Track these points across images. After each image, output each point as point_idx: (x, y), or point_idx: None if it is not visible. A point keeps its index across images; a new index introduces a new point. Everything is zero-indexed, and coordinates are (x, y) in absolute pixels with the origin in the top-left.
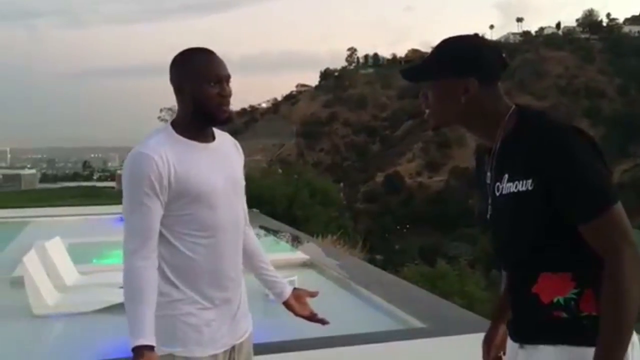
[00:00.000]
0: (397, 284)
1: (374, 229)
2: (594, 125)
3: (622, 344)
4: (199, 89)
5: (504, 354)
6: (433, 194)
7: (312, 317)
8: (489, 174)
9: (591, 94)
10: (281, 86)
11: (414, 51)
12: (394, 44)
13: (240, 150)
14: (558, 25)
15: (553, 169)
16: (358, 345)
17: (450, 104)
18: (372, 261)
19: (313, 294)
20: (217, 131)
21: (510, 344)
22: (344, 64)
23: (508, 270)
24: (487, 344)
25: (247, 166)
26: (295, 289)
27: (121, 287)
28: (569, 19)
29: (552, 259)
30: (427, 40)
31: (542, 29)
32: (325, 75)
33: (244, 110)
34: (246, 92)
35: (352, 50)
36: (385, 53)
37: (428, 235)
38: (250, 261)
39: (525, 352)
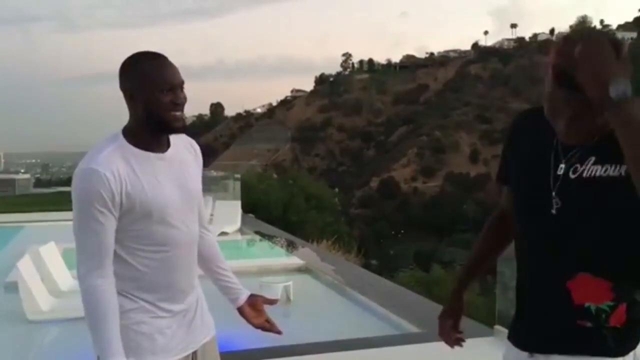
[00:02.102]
0: (392, 289)
1: (368, 234)
2: None
3: None
4: (151, 97)
5: (456, 329)
6: (428, 199)
7: (265, 326)
8: (562, 165)
9: None
10: (276, 91)
11: (409, 57)
12: (389, 50)
13: (197, 149)
14: (552, 31)
15: None
16: (354, 350)
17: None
18: (367, 266)
19: (271, 302)
20: (172, 135)
21: (514, 353)
22: (339, 69)
23: (545, 265)
24: (449, 317)
25: (243, 171)
26: (251, 295)
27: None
28: (563, 25)
29: (598, 260)
30: (422, 45)
31: (535, 35)
32: (321, 80)
33: (239, 115)
34: (241, 97)
35: (347, 56)
36: (381, 58)
37: (423, 240)
38: (206, 264)
39: None
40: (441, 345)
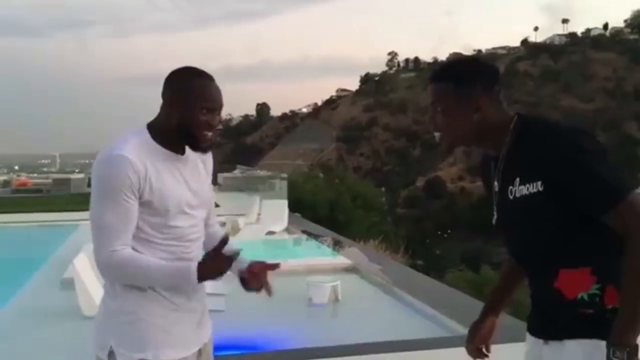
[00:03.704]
0: (441, 290)
1: (414, 234)
2: None
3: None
4: (190, 113)
5: (487, 348)
6: (475, 199)
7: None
8: (495, 182)
9: None
10: (321, 91)
11: (456, 54)
12: (435, 48)
13: (208, 156)
14: (605, 26)
15: (561, 170)
16: (402, 352)
17: (462, 123)
18: (413, 266)
19: (273, 267)
20: None
21: (532, 341)
22: (385, 68)
23: (528, 269)
24: (473, 334)
25: (290, 171)
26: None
27: None
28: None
29: (570, 255)
30: (468, 43)
31: (588, 30)
32: (366, 79)
33: (284, 115)
34: (287, 97)
35: (393, 55)
36: (427, 57)
37: (469, 240)
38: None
39: (551, 348)
40: (493, 348)
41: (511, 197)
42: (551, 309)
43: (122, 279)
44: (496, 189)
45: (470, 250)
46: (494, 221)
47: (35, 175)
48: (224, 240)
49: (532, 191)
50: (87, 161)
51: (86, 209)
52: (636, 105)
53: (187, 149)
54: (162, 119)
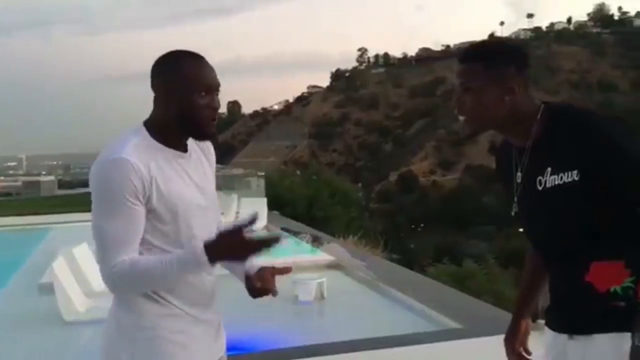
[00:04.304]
0: (427, 284)
1: (388, 229)
2: None
3: None
4: (187, 98)
5: (526, 351)
6: (447, 192)
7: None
8: (519, 173)
9: (604, 88)
10: (292, 88)
11: (425, 50)
12: (404, 43)
13: (211, 152)
14: (569, 20)
15: (602, 158)
16: (391, 348)
17: (493, 106)
18: (389, 261)
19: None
20: None
21: (552, 336)
22: (355, 64)
23: (556, 262)
24: (511, 341)
25: (264, 168)
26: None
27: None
28: (580, 14)
29: (604, 247)
30: (438, 39)
31: (552, 24)
32: (337, 75)
33: (256, 112)
34: (258, 94)
35: (363, 51)
36: (396, 52)
37: (443, 234)
38: None
39: (578, 342)
40: (482, 341)
41: (540, 187)
42: (579, 302)
43: (131, 290)
44: (518, 179)
45: (444, 244)
46: (513, 213)
47: (2, 177)
48: (252, 220)
49: (566, 181)
50: (55, 162)
51: (58, 212)
52: (600, 96)
53: (189, 145)
54: (159, 113)
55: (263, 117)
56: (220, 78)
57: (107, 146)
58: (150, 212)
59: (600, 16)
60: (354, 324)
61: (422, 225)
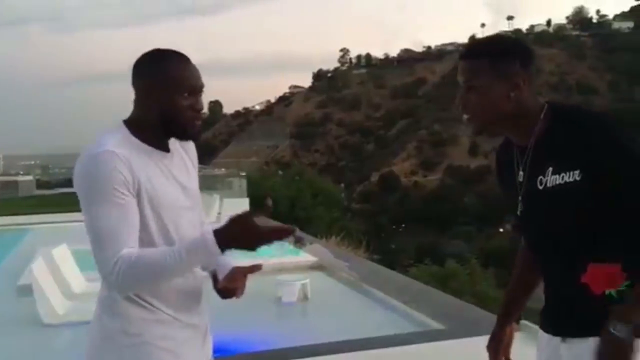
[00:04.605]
0: (409, 285)
1: (370, 229)
2: None
3: None
4: (170, 99)
5: (508, 358)
6: (428, 192)
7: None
8: (521, 172)
9: (583, 90)
10: (274, 88)
11: (407, 51)
12: (386, 44)
13: (192, 151)
14: (549, 22)
15: (605, 157)
16: (375, 349)
17: (498, 103)
18: (371, 261)
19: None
20: None
21: (546, 339)
22: (337, 64)
23: (552, 262)
24: (496, 345)
25: (246, 168)
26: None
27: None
28: (559, 16)
29: (602, 249)
30: (419, 39)
31: (532, 26)
32: (318, 76)
33: (237, 112)
34: (239, 94)
35: (345, 51)
36: (378, 53)
37: (424, 234)
38: None
39: (571, 345)
40: (466, 342)
41: (540, 187)
42: (574, 304)
43: (137, 286)
44: (521, 179)
45: (425, 244)
46: (519, 212)
47: None
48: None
49: (567, 180)
50: (33, 162)
51: (37, 212)
52: (579, 98)
53: (171, 145)
54: (140, 113)
55: (245, 117)
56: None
57: (88, 145)
58: (140, 210)
59: (579, 19)
60: (337, 325)
61: (403, 225)
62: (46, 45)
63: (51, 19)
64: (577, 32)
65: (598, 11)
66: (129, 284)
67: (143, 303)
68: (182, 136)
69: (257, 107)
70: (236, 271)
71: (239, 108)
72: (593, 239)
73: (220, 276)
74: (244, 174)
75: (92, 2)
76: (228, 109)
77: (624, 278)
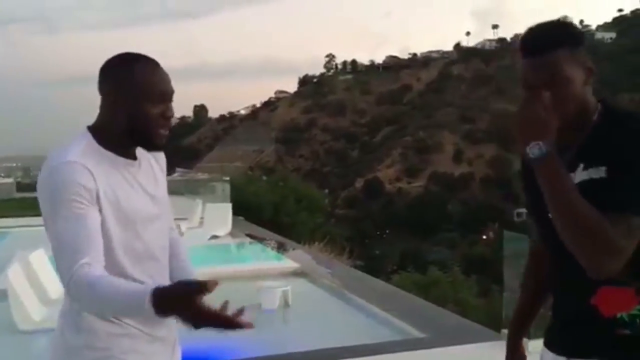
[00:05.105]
0: (392, 293)
1: (354, 235)
2: None
3: None
4: (137, 107)
5: None
6: (412, 199)
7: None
8: None
9: None
10: (260, 93)
11: (392, 57)
12: (372, 51)
13: (162, 157)
14: None
15: (626, 153)
16: (355, 357)
17: (581, 95)
18: (354, 268)
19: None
20: None
21: (550, 357)
22: (323, 70)
23: (567, 276)
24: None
25: (230, 173)
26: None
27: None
28: None
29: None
30: (405, 46)
31: (517, 35)
32: (304, 81)
33: (222, 117)
34: (225, 98)
35: (331, 57)
36: (364, 59)
37: (408, 240)
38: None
39: None
40: (446, 351)
41: None
42: (582, 325)
43: (90, 305)
44: None
45: (408, 250)
46: (550, 215)
47: None
48: (205, 285)
49: (593, 177)
50: (14, 164)
51: (17, 216)
52: None
53: (138, 150)
54: (106, 120)
55: (230, 121)
56: (186, 81)
57: (52, 154)
58: (103, 223)
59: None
60: (317, 333)
61: (387, 231)
62: (30, 47)
63: (35, 21)
64: None
65: (581, 21)
66: (79, 301)
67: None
68: (148, 146)
69: (243, 112)
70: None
71: (224, 112)
72: None
73: None
74: (227, 178)
75: (77, 4)
76: (213, 113)
77: (637, 302)
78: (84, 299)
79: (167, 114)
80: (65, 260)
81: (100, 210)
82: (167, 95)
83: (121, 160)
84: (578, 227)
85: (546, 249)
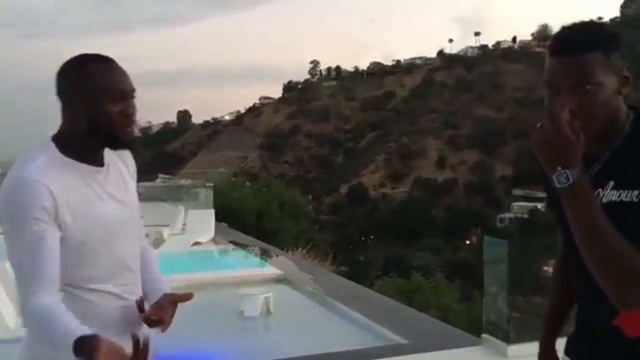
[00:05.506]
0: (374, 299)
1: (338, 241)
2: None
3: None
4: (97, 106)
5: None
6: (396, 204)
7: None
8: None
9: None
10: (244, 98)
11: (376, 64)
12: (356, 57)
13: (130, 161)
14: (514, 39)
15: None
16: None
17: (614, 102)
18: (337, 274)
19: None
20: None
21: None
22: (307, 76)
23: (591, 293)
24: None
25: (214, 179)
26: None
27: None
28: (525, 33)
29: None
30: (388, 53)
31: (499, 42)
32: (289, 87)
33: (207, 122)
34: (209, 104)
35: (315, 63)
36: (348, 66)
37: (392, 246)
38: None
39: None
40: (428, 356)
41: None
42: (605, 341)
43: (39, 334)
44: None
45: (393, 256)
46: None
47: None
48: (141, 345)
49: (624, 199)
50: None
51: None
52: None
53: (106, 157)
54: (67, 126)
55: (214, 127)
56: (170, 87)
57: (14, 166)
58: (65, 236)
59: (543, 36)
60: (299, 340)
61: (371, 237)
62: (10, 51)
63: (18, 24)
64: (541, 49)
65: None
66: (33, 327)
67: None
68: (114, 145)
69: (227, 118)
70: (166, 299)
71: (208, 118)
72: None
73: (149, 302)
74: (210, 184)
75: (62, 8)
76: (197, 118)
77: None
78: (34, 327)
79: (128, 112)
80: (19, 288)
81: (61, 227)
82: (126, 93)
83: (87, 168)
84: (605, 259)
85: (572, 261)
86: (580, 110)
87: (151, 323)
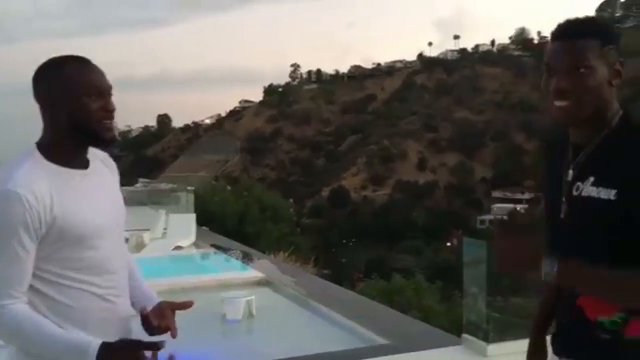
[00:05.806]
0: (356, 301)
1: (320, 244)
2: (529, 138)
3: None
4: (77, 104)
5: None
6: (378, 207)
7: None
8: (570, 171)
9: (526, 108)
10: (225, 102)
11: (357, 67)
12: (337, 60)
13: (112, 164)
14: (493, 43)
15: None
16: None
17: (604, 90)
18: (320, 276)
19: (184, 306)
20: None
21: (550, 357)
22: (288, 80)
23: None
24: None
25: (195, 183)
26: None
27: None
28: (503, 37)
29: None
30: (369, 56)
31: (478, 46)
32: (270, 91)
33: (187, 126)
34: (189, 108)
35: (296, 67)
36: (329, 69)
37: (374, 248)
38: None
39: None
40: (409, 357)
41: (575, 193)
42: (571, 325)
43: (11, 341)
44: (569, 178)
45: (374, 258)
46: (563, 214)
47: None
48: (158, 346)
49: (601, 197)
50: None
51: None
52: (522, 116)
53: (91, 163)
54: (49, 130)
55: (194, 131)
56: (150, 91)
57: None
58: (50, 243)
59: (521, 40)
60: (282, 342)
61: (353, 240)
62: None
63: None
64: (519, 53)
65: (539, 33)
66: (4, 335)
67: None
68: (97, 142)
69: (208, 122)
70: (164, 307)
71: (189, 122)
72: (594, 263)
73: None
74: (191, 189)
75: (37, 12)
76: (177, 122)
77: (619, 309)
78: (8, 334)
79: (108, 108)
80: None
81: (51, 230)
82: (103, 90)
83: (71, 172)
84: (630, 298)
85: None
86: (571, 91)
87: (155, 331)
